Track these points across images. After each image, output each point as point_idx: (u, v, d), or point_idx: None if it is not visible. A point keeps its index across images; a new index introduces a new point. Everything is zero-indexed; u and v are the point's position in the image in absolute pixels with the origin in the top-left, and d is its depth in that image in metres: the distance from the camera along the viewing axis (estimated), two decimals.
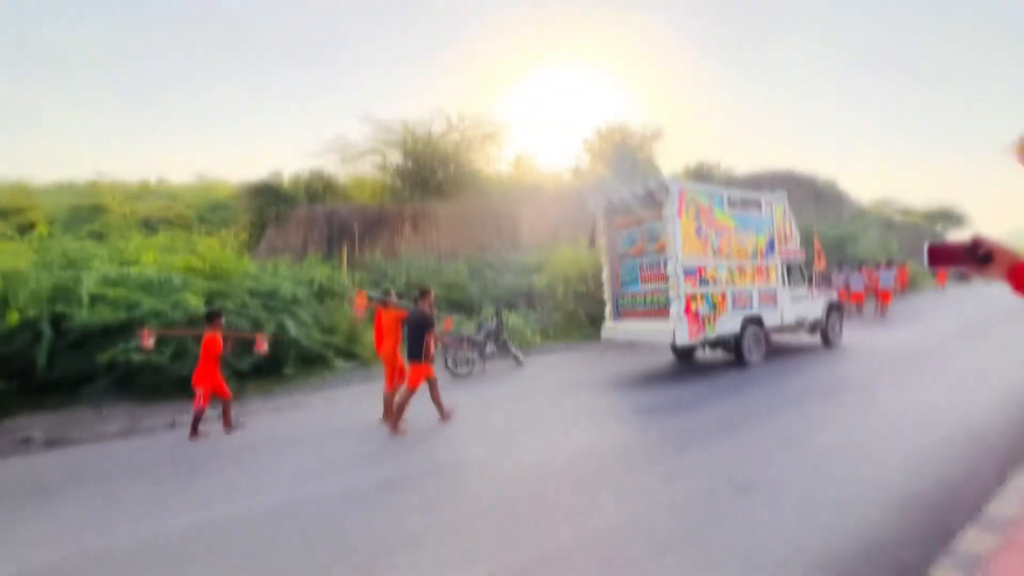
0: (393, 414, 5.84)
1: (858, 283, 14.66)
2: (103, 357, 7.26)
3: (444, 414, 6.02)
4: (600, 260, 13.52)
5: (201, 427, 6.16)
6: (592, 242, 9.39)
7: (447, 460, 4.74)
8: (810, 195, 27.14)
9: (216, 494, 4.28)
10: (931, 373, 7.20)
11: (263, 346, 7.26)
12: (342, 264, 14.04)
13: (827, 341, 10.05)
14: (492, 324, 10.16)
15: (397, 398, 5.98)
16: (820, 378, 7.36)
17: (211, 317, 6.42)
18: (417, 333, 5.83)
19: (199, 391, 6.09)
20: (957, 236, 38.03)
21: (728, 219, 8.53)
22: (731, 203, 8.65)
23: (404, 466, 4.63)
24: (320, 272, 11.69)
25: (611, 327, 9.02)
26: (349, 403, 7.58)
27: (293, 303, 9.63)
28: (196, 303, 7.62)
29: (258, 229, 16.75)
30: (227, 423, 6.34)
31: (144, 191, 23.27)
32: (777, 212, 9.44)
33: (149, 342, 6.51)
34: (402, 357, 6.25)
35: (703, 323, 7.87)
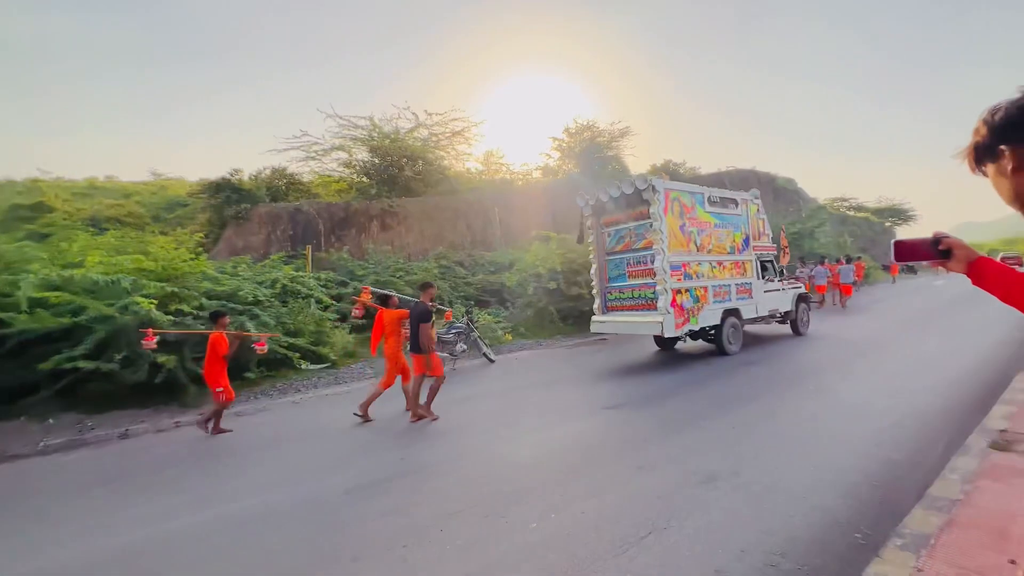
0: (424, 406, 6.08)
1: (821, 277, 15.75)
2: (46, 365, 6.80)
3: (415, 411, 6.10)
4: (569, 257, 13.71)
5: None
6: (581, 239, 9.69)
7: (417, 462, 4.67)
8: (770, 193, 28.13)
9: (171, 506, 4.07)
10: (883, 360, 7.60)
11: (264, 345, 7.34)
12: (307, 263, 13.65)
13: (796, 330, 10.63)
14: (463, 322, 10.09)
15: (429, 388, 6.16)
16: (783, 368, 7.64)
17: (216, 317, 6.46)
18: (415, 326, 6.03)
19: (220, 389, 6.08)
20: (906, 231, 40.25)
21: (708, 217, 8.99)
22: (711, 201, 9.11)
23: (373, 469, 4.53)
24: (283, 272, 11.31)
25: (600, 320, 9.31)
26: (316, 406, 7.37)
27: (254, 304, 9.27)
28: (147, 306, 7.22)
29: (217, 228, 16.03)
30: (205, 421, 6.27)
31: (91, 189, 21.99)
32: (751, 210, 9.98)
33: (152, 342, 6.51)
34: (404, 354, 6.55)
35: (688, 315, 8.30)
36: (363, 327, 12.08)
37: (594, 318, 9.44)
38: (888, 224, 39.14)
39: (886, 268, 28.38)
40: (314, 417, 6.76)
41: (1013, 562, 2.25)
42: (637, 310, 8.70)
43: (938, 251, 1.20)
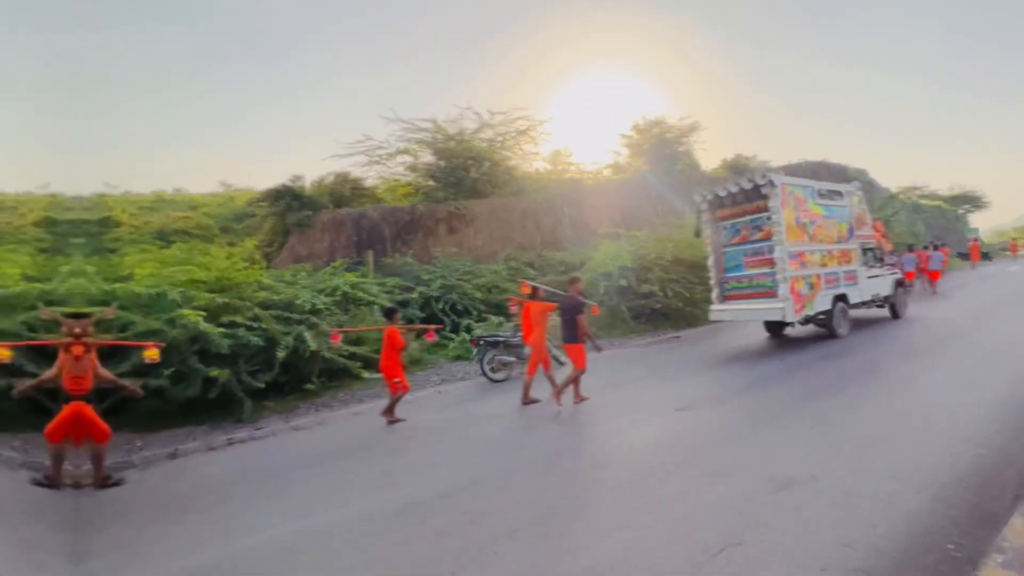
0: (575, 394, 6.47)
1: (910, 263, 15.85)
2: None
3: (579, 396, 6.46)
4: (639, 254, 13.34)
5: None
6: (699, 233, 10.22)
7: (475, 475, 4.43)
8: (842, 183, 26.49)
9: (207, 532, 3.83)
10: (967, 347, 7.23)
11: (432, 336, 8.10)
12: (368, 269, 13.35)
13: (895, 313, 11.03)
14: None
15: (568, 376, 6.50)
16: (862, 359, 7.36)
17: (389, 313, 6.99)
18: (570, 318, 6.42)
19: (396, 380, 6.50)
20: (980, 218, 37.69)
21: (819, 209, 9.51)
22: (820, 194, 9.65)
23: (429, 485, 4.26)
24: (344, 279, 10.85)
25: (718, 309, 9.83)
26: (377, 418, 6.78)
27: (313, 313, 8.70)
28: (195, 319, 6.74)
29: (281, 236, 15.77)
30: (389, 414, 6.61)
31: (159, 202, 21.83)
32: (854, 201, 10.52)
33: (337, 341, 7.37)
34: (548, 346, 7.06)
35: (804, 301, 8.81)
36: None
37: (712, 307, 9.90)
38: (961, 212, 36.97)
39: (963, 256, 26.61)
40: (373, 429, 6.47)
41: None
42: (756, 298, 9.16)
43: None
